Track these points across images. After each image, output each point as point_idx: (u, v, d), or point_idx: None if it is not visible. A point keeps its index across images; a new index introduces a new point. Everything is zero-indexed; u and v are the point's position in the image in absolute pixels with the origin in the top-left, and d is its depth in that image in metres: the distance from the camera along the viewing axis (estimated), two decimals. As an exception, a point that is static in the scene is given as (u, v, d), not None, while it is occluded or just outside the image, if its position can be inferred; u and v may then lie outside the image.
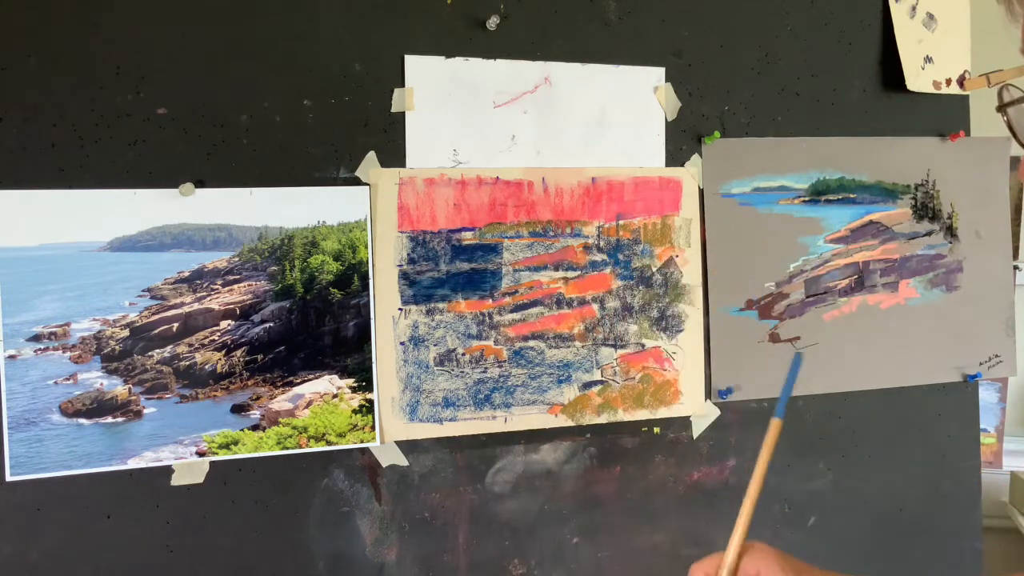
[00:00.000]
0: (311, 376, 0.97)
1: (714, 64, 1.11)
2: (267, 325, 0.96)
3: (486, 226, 1.03)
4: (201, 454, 0.94)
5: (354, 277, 0.98)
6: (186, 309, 0.94)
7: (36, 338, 0.89)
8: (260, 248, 0.95)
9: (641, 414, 1.09)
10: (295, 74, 0.96)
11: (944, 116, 1.21)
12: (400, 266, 1.00)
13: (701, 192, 1.11)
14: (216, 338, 0.95)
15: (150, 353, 0.93)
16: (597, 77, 1.06)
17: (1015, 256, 1.30)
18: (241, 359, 0.95)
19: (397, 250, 1.00)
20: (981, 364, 1.24)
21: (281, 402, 0.96)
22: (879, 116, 1.18)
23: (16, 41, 0.87)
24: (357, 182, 0.98)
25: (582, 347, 1.07)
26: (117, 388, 0.91)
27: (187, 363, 0.94)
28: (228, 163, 0.94)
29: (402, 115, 0.99)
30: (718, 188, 1.12)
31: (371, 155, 0.98)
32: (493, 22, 1.00)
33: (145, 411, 0.92)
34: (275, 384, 0.96)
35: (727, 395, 1.12)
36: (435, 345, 1.02)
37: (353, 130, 0.98)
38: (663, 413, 1.10)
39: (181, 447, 0.93)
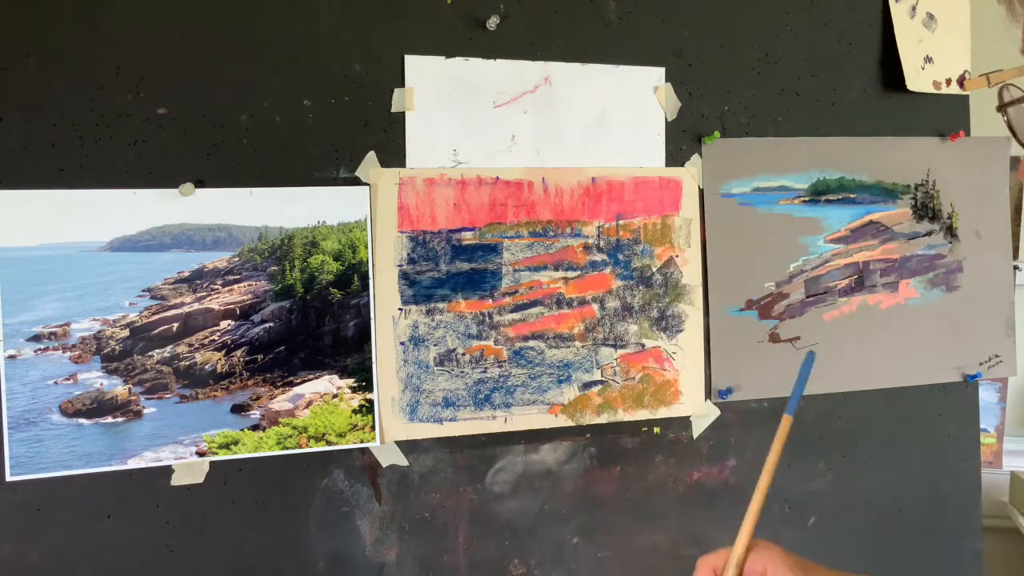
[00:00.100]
0: (311, 376, 0.97)
1: (714, 64, 1.11)
2: (267, 325, 0.96)
3: (486, 226, 1.03)
4: (201, 454, 0.94)
5: (354, 277, 0.98)
6: (186, 309, 0.94)
7: (36, 338, 0.89)
8: (260, 248, 0.95)
9: (641, 414, 1.10)
10: (295, 74, 0.96)
11: (944, 116, 1.21)
12: (400, 266, 1.00)
13: (701, 192, 1.11)
14: (216, 338, 0.95)
15: (150, 353, 0.93)
16: (597, 77, 1.06)
17: (1015, 256, 1.30)
18: (241, 359, 0.95)
19: (397, 250, 1.00)
20: (981, 364, 1.24)
21: (281, 402, 0.96)
22: (879, 116, 1.18)
23: (16, 41, 0.87)
24: (357, 182, 0.98)
25: (582, 347, 1.07)
26: (117, 388, 0.91)
27: (187, 363, 0.94)
28: (228, 163, 0.94)
29: (402, 115, 0.99)
30: (718, 188, 1.12)
31: (371, 155, 0.98)
32: (493, 22, 1.00)
33: (145, 411, 0.92)
34: (275, 384, 0.96)
35: (727, 395, 1.12)
36: (435, 345, 1.02)
37: (353, 130, 0.98)
38: (663, 413, 1.11)
39: (181, 447, 0.93)
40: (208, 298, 0.94)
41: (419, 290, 1.01)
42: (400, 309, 1.00)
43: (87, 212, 0.90)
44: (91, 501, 0.91)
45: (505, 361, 1.04)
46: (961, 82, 1.20)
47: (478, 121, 1.02)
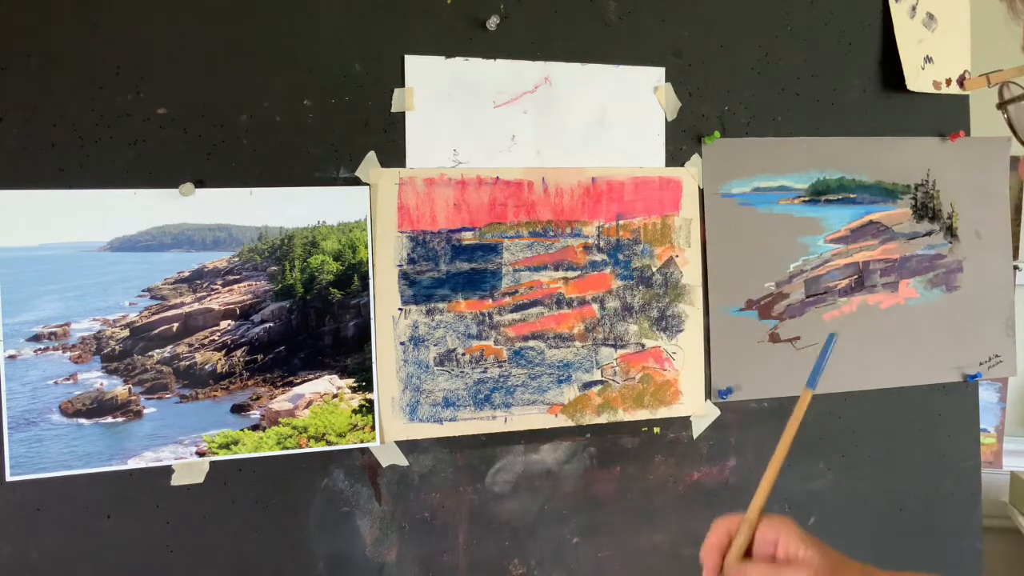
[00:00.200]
0: (311, 376, 0.97)
1: (714, 64, 1.11)
2: (267, 325, 0.96)
3: (486, 226, 1.03)
4: (201, 454, 0.94)
5: (354, 277, 0.98)
6: (186, 309, 0.94)
7: (36, 338, 0.89)
8: (260, 248, 0.95)
9: (641, 414, 1.09)
10: (295, 74, 0.96)
11: (944, 116, 1.21)
12: (400, 266, 1.00)
13: (701, 192, 1.11)
14: (216, 338, 0.95)
15: (150, 353, 0.93)
16: (597, 77, 1.06)
17: (1015, 256, 1.30)
18: (241, 359, 0.95)
19: (397, 250, 1.00)
20: (981, 364, 1.24)
21: (281, 402, 0.96)
22: (879, 116, 1.18)
23: (16, 41, 0.87)
24: (357, 182, 0.98)
25: (582, 347, 1.07)
26: (117, 388, 0.91)
27: (187, 363, 0.94)
28: (228, 163, 0.94)
29: (402, 115, 0.99)
30: (718, 188, 1.12)
31: (371, 155, 0.98)
32: (493, 22, 1.00)
33: (145, 411, 0.92)
34: (275, 384, 0.96)
35: (727, 395, 1.12)
36: (435, 345, 1.02)
37: (353, 130, 0.98)
38: (663, 413, 1.10)
39: (181, 447, 0.93)
40: (208, 298, 0.94)
41: (419, 290, 1.01)
42: (400, 309, 1.00)
43: (87, 212, 0.90)
44: (91, 501, 0.91)
45: (505, 361, 1.04)
46: (961, 82, 1.20)
47: (478, 121, 1.02)
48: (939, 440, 1.23)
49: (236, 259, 0.95)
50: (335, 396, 0.98)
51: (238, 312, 0.95)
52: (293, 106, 0.96)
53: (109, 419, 0.91)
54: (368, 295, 0.99)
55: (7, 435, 0.88)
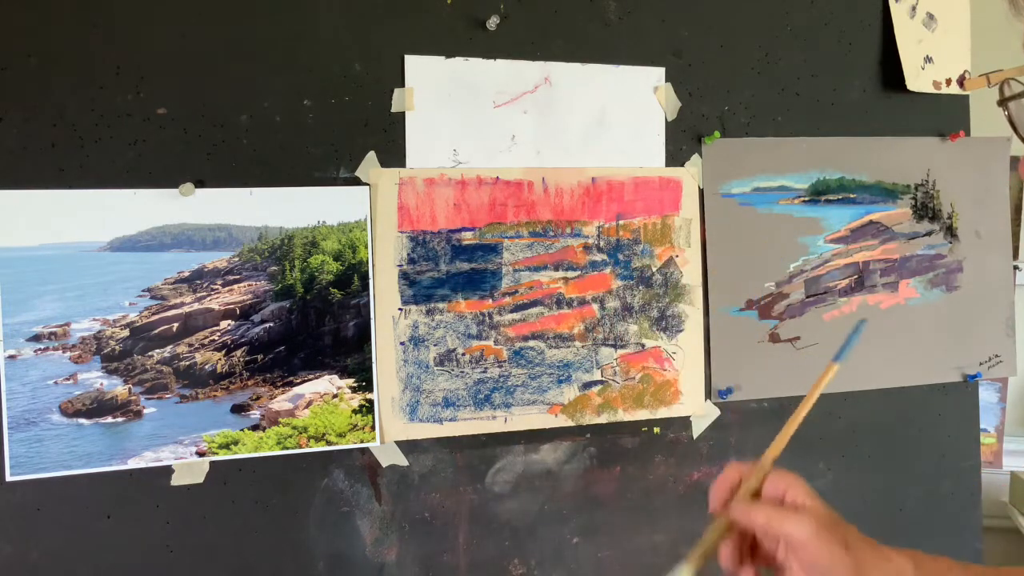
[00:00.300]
0: (311, 376, 0.97)
1: (714, 64, 1.11)
2: (267, 325, 0.96)
3: (486, 226, 1.03)
4: (201, 454, 0.94)
5: (354, 277, 0.98)
6: (186, 309, 0.94)
7: (36, 338, 0.89)
8: (260, 248, 0.95)
9: (641, 414, 1.09)
10: (295, 74, 0.96)
11: (944, 116, 1.21)
12: (400, 266, 1.00)
13: (701, 192, 1.11)
14: (216, 338, 0.95)
15: (150, 353, 0.93)
16: (597, 77, 1.06)
17: (1015, 256, 1.30)
18: (241, 359, 0.95)
19: (397, 250, 1.00)
20: (981, 364, 1.24)
21: (281, 402, 0.96)
22: (879, 116, 1.18)
23: (16, 41, 0.87)
24: (357, 182, 0.98)
25: (582, 347, 1.07)
26: (117, 388, 0.91)
27: (187, 363, 0.94)
28: (228, 163, 0.94)
29: (402, 115, 0.99)
30: (718, 188, 1.12)
31: (371, 155, 0.98)
32: (493, 22, 1.00)
33: (145, 411, 0.92)
34: (275, 384, 0.96)
35: (727, 395, 1.12)
36: (435, 345, 1.02)
37: (353, 130, 0.98)
38: (663, 413, 1.10)
39: (181, 447, 0.93)
40: (208, 298, 0.94)
41: (419, 290, 1.01)
42: (400, 309, 1.00)
43: (87, 212, 0.90)
44: (91, 501, 0.91)
45: (505, 361, 1.04)
46: (961, 82, 1.20)
47: (478, 121, 1.02)
48: (939, 440, 1.23)
49: (236, 259, 0.95)
50: (335, 396, 0.98)
51: (238, 312, 0.95)
52: (293, 106, 0.96)
53: (109, 419, 0.91)
54: (368, 295, 0.99)
55: (7, 435, 0.88)
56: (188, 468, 0.94)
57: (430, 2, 0.99)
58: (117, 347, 0.92)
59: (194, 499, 0.94)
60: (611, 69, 1.07)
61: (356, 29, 0.97)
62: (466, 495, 1.04)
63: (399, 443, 1.01)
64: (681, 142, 1.10)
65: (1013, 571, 0.62)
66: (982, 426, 1.35)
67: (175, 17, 0.92)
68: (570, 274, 1.06)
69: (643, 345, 1.09)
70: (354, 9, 0.97)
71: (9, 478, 0.88)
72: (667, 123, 1.09)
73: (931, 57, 1.18)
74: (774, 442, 0.68)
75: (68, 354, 0.90)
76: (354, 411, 0.98)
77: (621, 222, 1.08)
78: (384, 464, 1.01)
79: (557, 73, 1.05)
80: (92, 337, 0.91)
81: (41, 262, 0.89)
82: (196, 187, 0.92)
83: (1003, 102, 0.71)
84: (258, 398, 0.96)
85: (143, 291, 0.92)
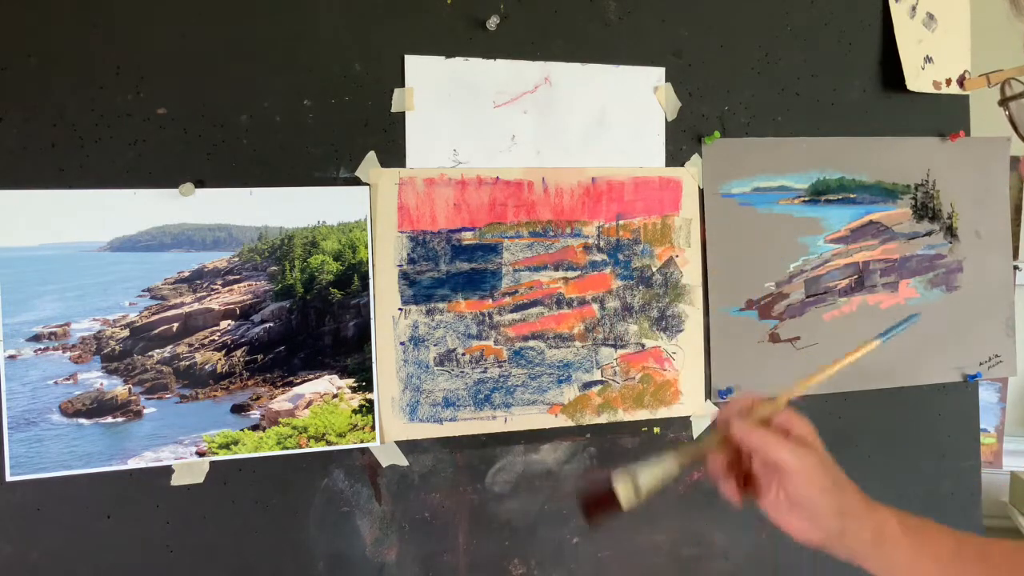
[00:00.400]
0: (311, 376, 0.97)
1: (714, 64, 1.11)
2: (267, 325, 0.96)
3: (486, 226, 1.03)
4: (201, 454, 0.94)
5: (354, 277, 0.98)
6: (186, 309, 0.94)
7: (36, 338, 0.89)
8: (260, 248, 0.95)
9: (641, 414, 1.09)
10: (295, 74, 0.96)
11: (944, 116, 1.21)
12: (400, 266, 1.00)
13: (701, 192, 1.11)
14: (216, 338, 0.95)
15: (150, 353, 0.93)
16: (597, 77, 1.06)
17: (1015, 256, 1.30)
18: (241, 359, 0.95)
19: (397, 250, 1.00)
20: (981, 364, 1.24)
21: (281, 402, 0.96)
22: (879, 116, 1.18)
23: (16, 41, 0.87)
24: (357, 182, 0.98)
25: (582, 347, 1.07)
26: (117, 388, 0.91)
27: (187, 363, 0.94)
28: (228, 163, 0.94)
29: (402, 115, 0.99)
30: (718, 188, 1.12)
31: (371, 155, 0.98)
32: (493, 22, 1.00)
33: (145, 411, 0.92)
34: (275, 384, 0.96)
35: (727, 395, 1.12)
36: (435, 345, 1.02)
37: (353, 130, 0.98)
38: (663, 413, 1.10)
39: (181, 447, 0.93)
40: (208, 298, 0.94)
41: (419, 290, 1.01)
42: (400, 309, 1.00)
43: (87, 212, 0.90)
44: (91, 501, 0.91)
45: (505, 361, 1.04)
46: (961, 82, 1.20)
47: (478, 121, 1.02)
48: (939, 440, 1.23)
49: (236, 259, 0.95)
50: (335, 396, 0.98)
51: (238, 312, 0.95)
52: (293, 106, 0.96)
53: (109, 419, 0.91)
54: (368, 295, 0.99)
55: (7, 435, 0.88)
56: (188, 468, 0.94)
57: (430, 2, 0.99)
58: (117, 347, 0.92)
59: (194, 499, 0.94)
60: (611, 69, 1.07)
61: (356, 29, 0.97)
62: (466, 495, 1.04)
63: (399, 443, 1.01)
64: (681, 142, 1.10)
65: (996, 541, 0.62)
66: (982, 426, 1.35)
67: (175, 17, 0.92)
68: (570, 274, 1.06)
69: (643, 345, 1.09)
70: (354, 9, 0.97)
71: (9, 478, 0.88)
72: (667, 123, 1.09)
73: (931, 57, 1.18)
74: (794, 387, 0.70)
75: (68, 354, 0.90)
76: (354, 411, 0.98)
77: (621, 222, 1.08)
78: (384, 464, 1.00)
79: (557, 73, 1.05)
80: (92, 337, 0.91)
81: (41, 262, 0.89)
82: (196, 187, 0.92)
83: (1004, 102, 0.71)
84: (258, 398, 0.96)
85: (143, 291, 0.92)
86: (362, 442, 0.99)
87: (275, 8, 0.95)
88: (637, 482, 0.67)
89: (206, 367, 0.94)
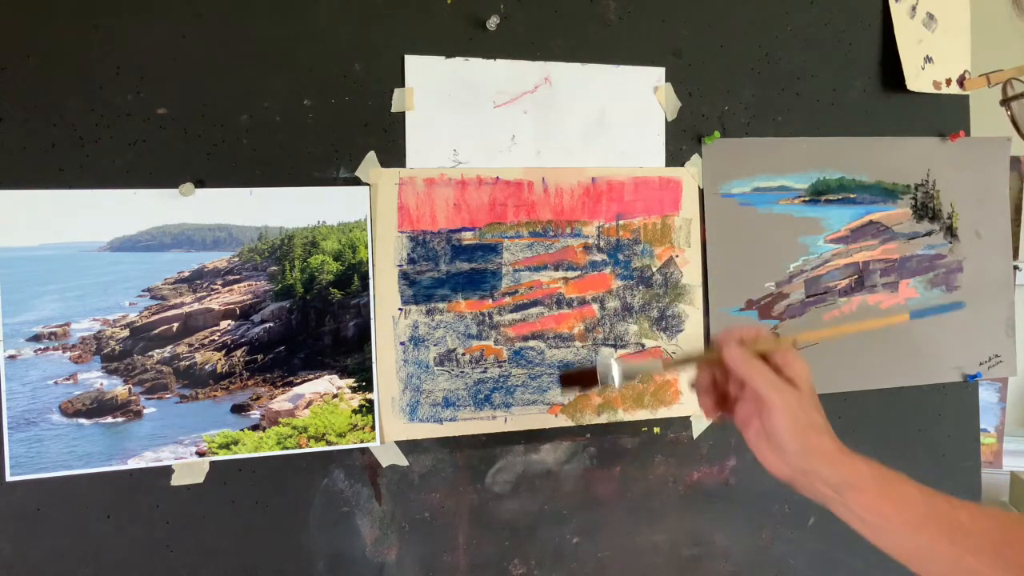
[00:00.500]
0: (311, 376, 0.97)
1: (714, 64, 1.11)
2: (267, 325, 0.96)
3: (486, 226, 1.03)
4: (201, 454, 0.94)
5: (354, 277, 0.98)
6: (186, 309, 0.94)
7: (36, 338, 0.89)
8: (260, 248, 0.95)
9: (641, 414, 1.09)
10: (295, 74, 0.96)
11: (944, 116, 1.21)
12: (400, 266, 1.00)
13: (701, 192, 1.11)
14: (216, 338, 0.95)
15: (150, 353, 0.93)
16: (597, 77, 1.06)
17: (1015, 256, 1.30)
18: (241, 359, 0.95)
19: (397, 250, 1.00)
20: (981, 364, 1.24)
21: (281, 402, 0.96)
22: (879, 116, 1.18)
23: (16, 41, 0.87)
24: (357, 182, 0.98)
25: (582, 347, 1.07)
26: (117, 388, 0.91)
27: (187, 363, 0.94)
28: (228, 163, 0.94)
29: (402, 115, 0.99)
30: (718, 188, 1.12)
31: (371, 155, 0.98)
32: (493, 22, 1.00)
33: (145, 411, 0.92)
34: (275, 384, 0.96)
35: (727, 395, 1.12)
36: (435, 345, 1.02)
37: (353, 130, 0.98)
38: (663, 413, 1.10)
39: (181, 447, 0.93)
40: (208, 298, 0.94)
41: (419, 290, 1.01)
42: (400, 309, 1.00)
43: (87, 212, 0.90)
44: (91, 501, 0.91)
45: (505, 361, 1.04)
46: (961, 82, 1.20)
47: (478, 121, 1.02)
48: (939, 440, 1.23)
49: (236, 259, 0.95)
50: (335, 396, 0.98)
51: (238, 312, 0.95)
52: (293, 106, 0.96)
53: (109, 419, 0.91)
54: (368, 295, 0.99)
55: (7, 435, 0.88)
56: (188, 468, 0.94)
57: (430, 2, 1.00)
58: (117, 347, 0.92)
59: (194, 499, 0.94)
60: (611, 69, 1.07)
61: (356, 29, 0.97)
62: (466, 495, 1.04)
63: (399, 443, 1.01)
64: (681, 142, 1.10)
65: (965, 504, 0.62)
66: (982, 426, 1.35)
67: (175, 17, 0.92)
68: (570, 274, 1.06)
69: (643, 345, 1.09)
70: (354, 9, 0.97)
71: (9, 478, 0.88)
72: (667, 123, 1.09)
73: (931, 57, 1.18)
74: (805, 334, 0.71)
75: (68, 354, 0.90)
76: (354, 411, 0.98)
77: (621, 222, 1.08)
78: (384, 464, 1.01)
79: (557, 73, 1.05)
80: (92, 337, 0.91)
81: (41, 262, 0.89)
82: (196, 187, 0.92)
83: (1005, 101, 0.72)
84: (258, 398, 0.96)
85: (143, 291, 0.92)
86: (362, 442, 0.99)
87: (275, 8, 0.95)
88: (619, 370, 0.70)
89: (206, 367, 0.94)
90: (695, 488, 1.13)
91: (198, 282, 0.94)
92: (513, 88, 1.03)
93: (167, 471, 0.93)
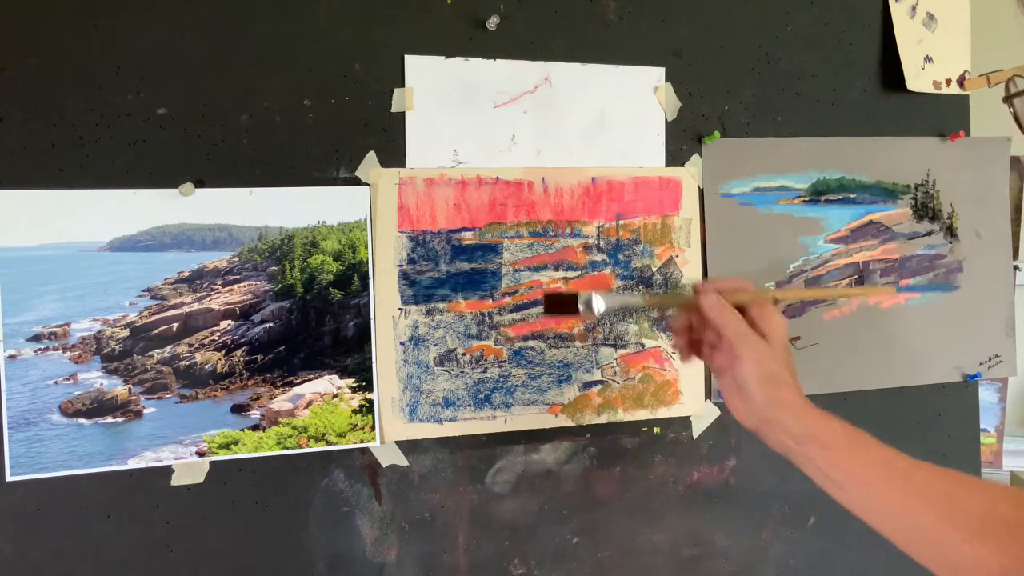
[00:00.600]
0: (311, 376, 0.97)
1: (714, 64, 1.11)
2: (267, 325, 0.96)
3: (486, 226, 1.03)
4: (201, 454, 0.94)
5: (354, 277, 0.98)
6: (186, 309, 0.94)
7: (36, 338, 0.89)
8: (260, 248, 0.95)
9: (641, 414, 1.09)
10: (295, 74, 0.96)
11: (944, 116, 1.21)
12: (400, 266, 1.00)
13: (701, 192, 1.11)
14: (216, 338, 0.95)
15: (150, 353, 0.93)
16: (597, 77, 1.06)
17: (1015, 256, 1.30)
18: (241, 359, 0.95)
19: (397, 250, 1.00)
20: (981, 364, 1.24)
21: (281, 402, 0.96)
22: (879, 116, 1.18)
23: (16, 41, 0.87)
24: (357, 182, 0.98)
25: (582, 347, 1.07)
26: (117, 388, 0.91)
27: (187, 363, 0.94)
28: (228, 163, 0.94)
29: (402, 115, 0.99)
30: (718, 188, 1.12)
31: (371, 155, 0.98)
32: (493, 22, 1.00)
33: (145, 411, 0.92)
34: (275, 384, 0.96)
35: (727, 395, 1.12)
36: (435, 345, 1.02)
37: (353, 130, 0.98)
38: (663, 413, 1.10)
39: (181, 447, 0.93)
40: (208, 298, 0.94)
41: (419, 290, 1.01)
42: (400, 309, 1.00)
43: (87, 212, 0.90)
44: (91, 501, 0.91)
45: (505, 361, 1.04)
46: (961, 82, 1.20)
47: (478, 121, 1.02)
48: (939, 440, 1.23)
49: (236, 259, 0.95)
50: (335, 396, 0.98)
51: (238, 312, 0.95)
52: (293, 106, 0.96)
53: (109, 419, 0.91)
54: (368, 295, 0.99)
55: (7, 435, 0.88)
56: (188, 468, 0.94)
57: (430, 2, 1.00)
58: (117, 347, 0.92)
59: (194, 499, 0.94)
60: (611, 69, 1.07)
61: (356, 29, 0.97)
62: (466, 495, 1.04)
63: (399, 443, 1.01)
64: (681, 142, 1.10)
65: (925, 465, 0.64)
66: (982, 426, 1.35)
67: (175, 17, 0.92)
68: (570, 274, 1.06)
69: (643, 345, 1.09)
70: (354, 9, 0.97)
71: (9, 478, 0.88)
72: (667, 123, 1.09)
73: (931, 57, 1.18)
74: (786, 289, 0.73)
75: (68, 354, 0.90)
76: (354, 411, 0.98)
77: (621, 222, 1.08)
78: (384, 464, 1.01)
79: (557, 73, 1.05)
80: (92, 337, 0.91)
81: (41, 262, 0.89)
82: (196, 187, 0.92)
83: (1008, 99, 0.72)
84: (258, 398, 0.96)
85: (143, 291, 0.92)
86: (362, 442, 0.99)
87: (275, 8, 0.95)
88: (600, 299, 0.72)
89: (206, 367, 0.94)
90: (695, 488, 1.13)
91: (198, 282, 0.94)
92: (513, 88, 1.03)
93: (167, 471, 0.93)
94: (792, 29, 1.14)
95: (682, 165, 1.10)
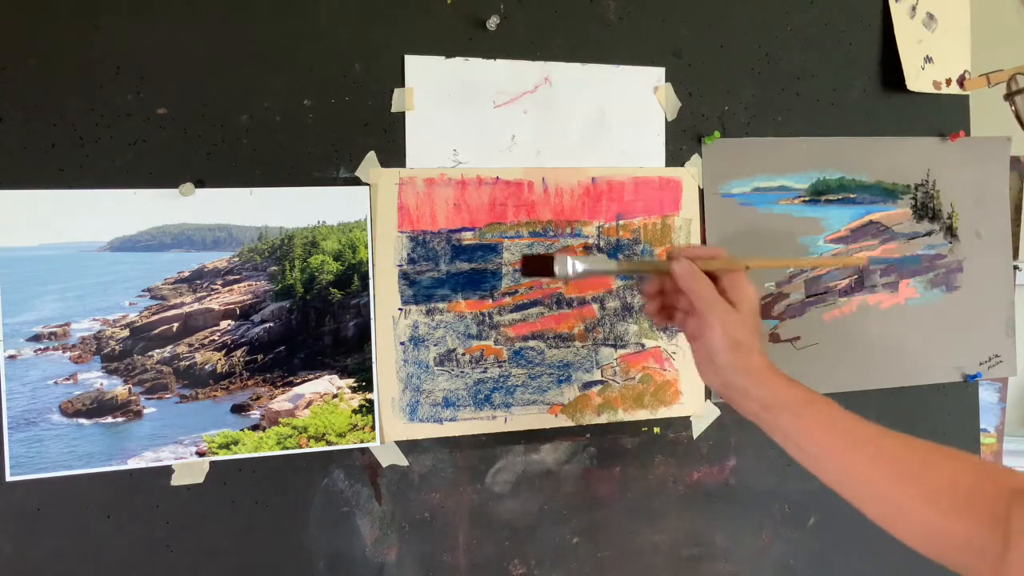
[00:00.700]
0: (311, 376, 0.97)
1: (714, 64, 1.11)
2: (267, 325, 0.96)
3: (486, 226, 1.03)
4: (201, 454, 0.94)
5: (354, 277, 0.98)
6: (186, 309, 0.94)
7: (36, 338, 0.89)
8: (260, 248, 0.95)
9: (641, 414, 1.09)
10: (295, 74, 0.96)
11: (944, 116, 1.21)
12: (400, 266, 1.00)
13: (701, 192, 1.11)
14: (216, 338, 0.95)
15: (150, 353, 0.93)
16: (597, 77, 1.06)
17: (1015, 256, 1.30)
18: (241, 359, 0.95)
19: (397, 250, 1.00)
20: (981, 364, 1.24)
21: (281, 402, 0.96)
22: (879, 116, 1.18)
23: (16, 41, 0.87)
24: (357, 182, 0.98)
25: (582, 347, 1.07)
26: (117, 388, 0.91)
27: (187, 363, 0.94)
28: (228, 163, 0.94)
29: (402, 115, 0.99)
30: (718, 188, 1.12)
31: (371, 155, 0.98)
32: (493, 22, 1.00)
33: (145, 411, 0.92)
34: (275, 384, 0.96)
35: (727, 395, 1.12)
36: (435, 345, 1.02)
37: (353, 130, 0.98)
38: (663, 413, 1.10)
39: (181, 447, 0.93)
40: (208, 298, 0.94)
41: (419, 290, 1.01)
42: (400, 309, 1.00)
43: (87, 212, 0.90)
44: (91, 501, 0.91)
45: (505, 361, 1.04)
46: (961, 82, 1.20)
47: (478, 121, 1.02)
48: (939, 440, 1.22)
49: (236, 259, 0.95)
50: (335, 396, 0.98)
51: (238, 312, 0.95)
52: (293, 106, 0.96)
53: (109, 419, 0.91)
54: (368, 295, 0.99)
55: (7, 435, 0.88)
56: (188, 468, 0.94)
57: (430, 2, 1.00)
58: (117, 347, 0.92)
59: (194, 499, 0.94)
60: (611, 69, 1.07)
61: (356, 29, 0.97)
62: (466, 495, 1.04)
63: (399, 443, 1.01)
64: (681, 142, 1.10)
65: (891, 433, 0.65)
66: (982, 426, 1.35)
67: (175, 17, 0.92)
68: (570, 274, 1.06)
69: (643, 345, 1.09)
70: (354, 9, 0.97)
71: (9, 478, 0.88)
72: (667, 123, 1.10)
73: (931, 57, 1.18)
74: (759, 259, 0.74)
75: (68, 354, 0.90)
76: (354, 411, 0.98)
77: (621, 222, 1.08)
78: (384, 464, 1.01)
79: (557, 73, 1.05)
80: (92, 337, 0.91)
81: (41, 262, 0.89)
82: (196, 187, 0.92)
83: (1009, 96, 0.72)
84: (258, 398, 0.96)
85: (143, 291, 0.92)
86: (362, 442, 0.99)
87: (275, 8, 0.95)
88: (576, 263, 0.73)
89: (206, 367, 0.94)
90: (695, 488, 1.13)
91: (198, 282, 0.94)
92: (513, 88, 1.03)
93: (167, 471, 0.93)
94: (792, 29, 1.14)
95: (682, 165, 1.10)
